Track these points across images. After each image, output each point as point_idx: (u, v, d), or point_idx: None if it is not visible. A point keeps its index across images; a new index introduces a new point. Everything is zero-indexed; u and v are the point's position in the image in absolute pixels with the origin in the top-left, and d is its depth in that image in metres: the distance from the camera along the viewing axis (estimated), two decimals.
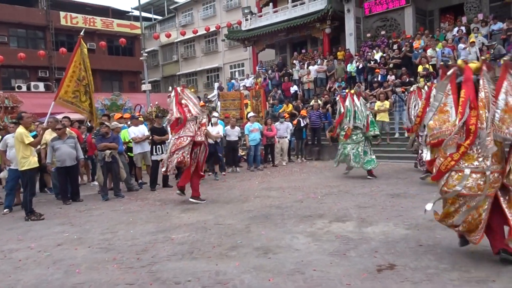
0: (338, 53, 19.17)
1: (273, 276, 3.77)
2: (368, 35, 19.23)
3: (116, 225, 6.06)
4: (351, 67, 17.07)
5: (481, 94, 3.61)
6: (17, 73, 25.95)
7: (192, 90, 8.26)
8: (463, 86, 3.65)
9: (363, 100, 9.77)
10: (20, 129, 6.83)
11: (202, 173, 7.65)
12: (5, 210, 7.33)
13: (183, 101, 7.31)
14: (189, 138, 7.15)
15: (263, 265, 4.07)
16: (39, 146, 7.43)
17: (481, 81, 3.66)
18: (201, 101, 17.33)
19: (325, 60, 18.62)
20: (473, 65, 3.80)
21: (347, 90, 12.15)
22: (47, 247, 5.11)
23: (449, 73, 3.82)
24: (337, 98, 10.45)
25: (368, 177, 9.17)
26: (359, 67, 16.61)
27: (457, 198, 3.66)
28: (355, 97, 9.52)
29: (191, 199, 7.40)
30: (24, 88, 23.97)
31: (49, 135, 8.03)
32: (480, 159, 3.57)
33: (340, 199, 7.11)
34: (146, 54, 20.91)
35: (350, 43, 19.47)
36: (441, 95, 3.80)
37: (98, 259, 4.55)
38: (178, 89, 7.46)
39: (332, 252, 4.34)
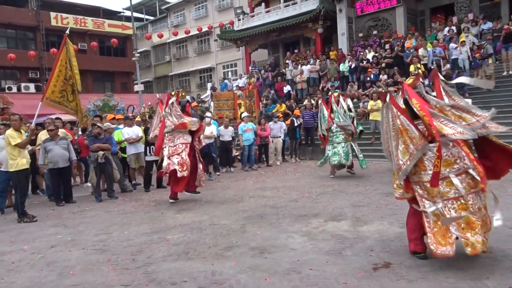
0: (331, 52, 19.25)
1: (269, 275, 3.77)
2: (360, 34, 19.34)
3: (110, 226, 6.02)
4: (343, 67, 17.15)
5: (433, 102, 3.83)
6: (7, 74, 25.66)
7: (182, 93, 8.19)
8: (411, 97, 3.77)
9: (349, 101, 9.77)
10: (9, 131, 6.79)
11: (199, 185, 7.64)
12: None
13: (166, 113, 7.32)
14: (183, 145, 7.22)
15: (259, 264, 4.07)
16: (32, 147, 7.34)
17: (423, 93, 3.90)
18: (194, 102, 17.31)
19: (318, 60, 18.68)
20: (408, 81, 4.05)
21: (330, 93, 12.16)
22: (40, 249, 5.06)
23: (387, 98, 3.97)
24: (320, 102, 10.40)
25: (351, 171, 9.44)
26: (352, 67, 16.70)
27: (466, 203, 3.58)
28: (341, 99, 9.55)
29: (185, 192, 7.47)
30: (14, 89, 23.68)
31: (44, 136, 7.96)
32: (458, 161, 3.63)
33: (335, 198, 7.13)
34: (138, 55, 20.79)
35: (343, 43, 19.57)
36: (391, 120, 3.92)
37: (92, 261, 4.52)
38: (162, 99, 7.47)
39: (328, 251, 4.35)
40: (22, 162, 6.74)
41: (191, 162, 7.29)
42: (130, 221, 6.25)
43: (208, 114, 11.31)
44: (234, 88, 19.90)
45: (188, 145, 7.34)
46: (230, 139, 11.60)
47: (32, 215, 6.68)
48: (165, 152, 7.23)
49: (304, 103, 14.94)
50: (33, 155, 7.79)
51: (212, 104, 16.65)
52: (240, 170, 11.76)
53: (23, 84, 24.56)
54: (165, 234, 5.40)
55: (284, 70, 19.85)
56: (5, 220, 6.84)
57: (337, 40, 19.97)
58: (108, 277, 4.01)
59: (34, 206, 7.39)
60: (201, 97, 22.23)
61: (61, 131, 8.22)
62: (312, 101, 14.71)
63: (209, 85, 23.82)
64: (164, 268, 4.16)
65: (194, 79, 32.77)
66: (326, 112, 9.49)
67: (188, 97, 20.37)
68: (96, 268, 4.29)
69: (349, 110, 9.46)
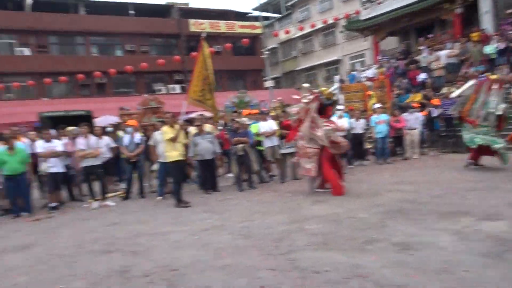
0: (472, 34, 17.16)
1: (417, 273, 3.62)
2: (509, 11, 16.79)
3: (252, 214, 6.45)
4: (490, 49, 15.16)
5: None
6: (157, 78, 29.25)
7: (327, 93, 8.23)
8: None
9: (500, 91, 8.57)
10: (163, 127, 7.78)
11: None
12: (158, 198, 8.40)
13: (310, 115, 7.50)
14: (314, 151, 7.46)
15: (404, 261, 3.93)
16: (186, 141, 8.24)
17: None
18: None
19: (458, 43, 16.86)
20: None
21: (486, 74, 10.77)
22: (196, 231, 5.70)
23: None
24: (473, 81, 9.28)
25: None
26: (500, 48, 14.66)
27: None
28: (494, 86, 8.45)
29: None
30: (163, 91, 27.04)
31: (194, 131, 8.90)
32: None
33: (487, 195, 6.40)
34: (267, 52, 21.60)
35: (487, 22, 17.28)
36: None
37: (240, 245, 4.92)
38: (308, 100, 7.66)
39: (485, 253, 3.96)
40: (175, 154, 7.65)
41: (328, 159, 7.42)
42: (270, 210, 6.60)
43: (339, 107, 11.17)
44: (363, 79, 19.26)
45: (319, 150, 7.55)
46: (362, 131, 11.31)
47: (186, 201, 7.55)
48: (298, 146, 7.52)
49: (443, 92, 13.70)
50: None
51: (341, 97, 16.41)
52: (373, 164, 11.36)
53: (170, 86, 27.91)
54: (303, 224, 5.56)
55: (417, 57, 18.46)
56: (165, 205, 7.85)
57: (479, 20, 17.71)
58: (255, 261, 4.33)
59: (186, 194, 8.27)
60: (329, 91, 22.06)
61: (209, 126, 9.07)
62: (453, 89, 13.40)
63: (336, 78, 23.51)
64: (306, 256, 4.31)
65: (320, 72, 32.71)
66: (472, 96, 8.56)
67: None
68: (243, 251, 4.67)
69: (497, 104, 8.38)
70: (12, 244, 5.72)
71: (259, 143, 9.47)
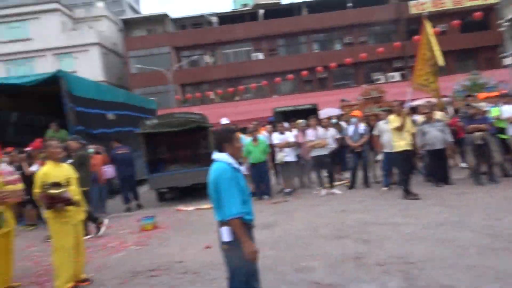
0: None
1: None
2: None
3: (497, 211, 5.61)
4: None
5: None
6: (375, 67, 28.79)
7: None
8: None
9: None
10: (390, 116, 7.55)
11: None
12: (383, 188, 8.28)
13: None
14: None
15: None
16: (414, 129, 7.79)
17: None
18: None
19: None
20: None
21: None
22: (429, 225, 5.35)
23: None
24: None
25: None
26: None
27: None
28: None
29: None
30: (382, 80, 26.46)
31: (422, 119, 8.36)
32: None
33: None
34: (507, 24, 18.24)
35: None
36: None
37: (486, 245, 4.39)
38: None
39: None
40: (401, 143, 7.32)
41: None
42: None
43: None
44: None
45: None
46: None
47: (415, 193, 7.14)
48: None
49: None
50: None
51: None
52: None
53: (389, 74, 27.09)
54: None
55: None
56: (391, 195, 7.63)
57: None
58: (508, 265, 3.79)
59: (413, 185, 7.74)
60: None
61: (439, 113, 8.35)
62: None
63: None
64: None
65: None
66: None
67: None
68: (492, 253, 4.15)
69: None
70: (259, 222, 6.62)
71: (501, 130, 8.11)
